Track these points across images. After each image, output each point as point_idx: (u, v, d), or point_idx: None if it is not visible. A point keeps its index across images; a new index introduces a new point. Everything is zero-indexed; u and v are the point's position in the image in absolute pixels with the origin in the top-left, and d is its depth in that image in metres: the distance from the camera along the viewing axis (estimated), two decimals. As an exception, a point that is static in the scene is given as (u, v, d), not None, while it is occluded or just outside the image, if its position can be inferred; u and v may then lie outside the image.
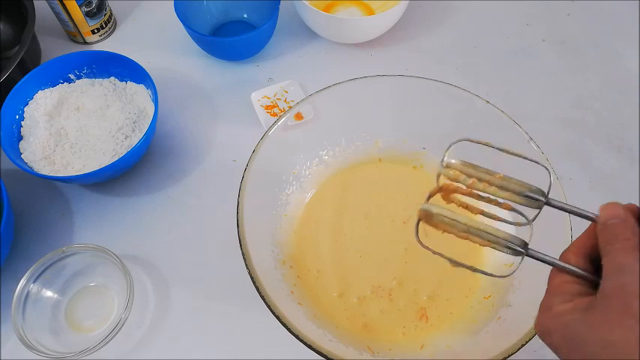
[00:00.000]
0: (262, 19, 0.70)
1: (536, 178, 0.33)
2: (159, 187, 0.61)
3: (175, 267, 0.56)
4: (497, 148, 0.33)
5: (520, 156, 0.33)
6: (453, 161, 0.32)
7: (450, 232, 0.32)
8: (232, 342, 0.52)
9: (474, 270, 0.33)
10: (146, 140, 0.56)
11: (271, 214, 0.53)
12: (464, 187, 0.33)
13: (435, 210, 0.32)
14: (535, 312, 0.31)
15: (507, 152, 0.33)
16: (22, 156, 0.57)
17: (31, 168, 0.56)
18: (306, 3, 0.66)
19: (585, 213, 0.30)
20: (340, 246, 0.54)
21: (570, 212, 0.31)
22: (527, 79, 0.69)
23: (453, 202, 0.33)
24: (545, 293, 0.30)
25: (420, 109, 0.55)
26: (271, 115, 0.64)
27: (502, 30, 0.74)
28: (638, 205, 0.29)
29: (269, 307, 0.42)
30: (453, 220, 0.31)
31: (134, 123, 0.59)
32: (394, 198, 0.56)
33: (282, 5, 0.67)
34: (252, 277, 0.43)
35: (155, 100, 0.58)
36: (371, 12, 0.73)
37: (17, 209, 0.58)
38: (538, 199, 0.31)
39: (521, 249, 0.31)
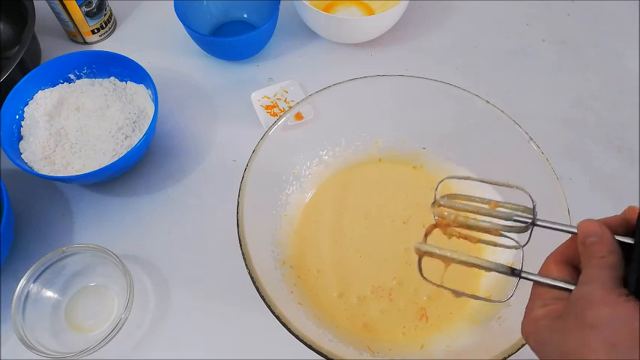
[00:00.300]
0: (262, 19, 0.70)
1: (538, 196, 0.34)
2: (159, 187, 0.61)
3: (175, 267, 0.56)
4: (478, 180, 0.36)
5: (498, 184, 0.35)
6: (441, 201, 0.36)
7: (447, 263, 0.35)
8: (232, 342, 0.52)
9: (475, 298, 0.36)
10: (146, 140, 0.56)
11: (271, 214, 0.53)
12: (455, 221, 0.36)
13: (424, 248, 0.35)
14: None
15: (487, 182, 0.35)
16: (22, 156, 0.57)
17: (31, 168, 0.56)
18: (306, 3, 0.66)
19: (569, 229, 0.31)
20: (340, 246, 0.54)
21: (556, 230, 0.32)
22: (527, 79, 0.69)
23: (452, 234, 0.36)
24: (529, 297, 0.32)
25: (420, 109, 0.55)
26: (271, 115, 0.64)
27: (502, 30, 0.74)
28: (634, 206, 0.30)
29: (269, 307, 0.42)
30: (443, 255, 0.34)
31: (134, 123, 0.59)
32: (394, 198, 0.56)
33: (282, 5, 0.67)
34: (252, 277, 0.43)
35: (155, 100, 0.58)
36: (371, 12, 0.73)
37: (17, 209, 0.58)
38: (525, 222, 0.33)
39: (509, 273, 0.33)
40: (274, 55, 0.71)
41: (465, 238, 0.36)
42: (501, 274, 0.33)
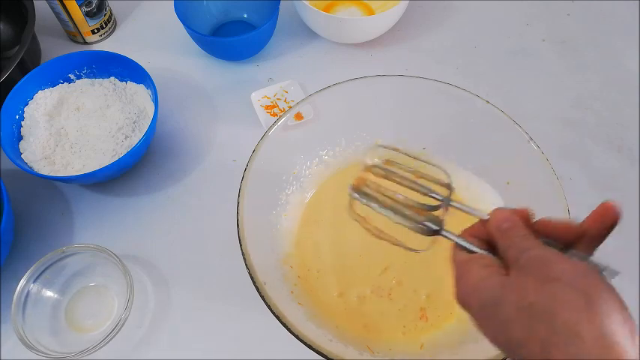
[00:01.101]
0: (262, 19, 0.70)
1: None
2: (159, 187, 0.61)
3: (175, 267, 0.56)
4: (404, 153, 0.40)
5: (418, 159, 0.39)
6: (372, 163, 0.39)
7: (379, 203, 0.37)
8: (232, 342, 0.52)
9: (396, 243, 0.38)
10: (146, 140, 0.56)
11: (271, 214, 0.53)
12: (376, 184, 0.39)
13: (354, 195, 0.38)
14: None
15: (410, 156, 0.40)
16: (22, 156, 0.57)
17: (31, 168, 0.56)
18: (306, 3, 0.66)
19: (478, 214, 0.34)
20: (340, 246, 0.54)
21: (467, 212, 0.35)
22: (527, 79, 0.69)
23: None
24: (456, 267, 0.32)
25: (420, 109, 0.54)
26: (271, 115, 0.64)
27: (502, 30, 0.74)
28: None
29: (269, 307, 0.42)
30: (368, 204, 0.37)
31: (134, 123, 0.59)
32: (394, 198, 0.56)
33: (282, 5, 0.67)
34: (252, 277, 0.43)
35: (155, 100, 0.58)
36: (371, 12, 0.73)
37: (17, 209, 0.58)
38: (438, 199, 0.36)
39: (429, 233, 0.35)
40: (274, 55, 0.71)
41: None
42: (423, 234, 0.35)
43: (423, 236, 0.36)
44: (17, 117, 0.59)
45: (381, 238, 0.38)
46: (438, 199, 0.36)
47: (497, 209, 0.32)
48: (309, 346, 0.40)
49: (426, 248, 0.36)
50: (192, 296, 0.54)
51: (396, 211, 0.36)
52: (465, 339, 0.47)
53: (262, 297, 0.42)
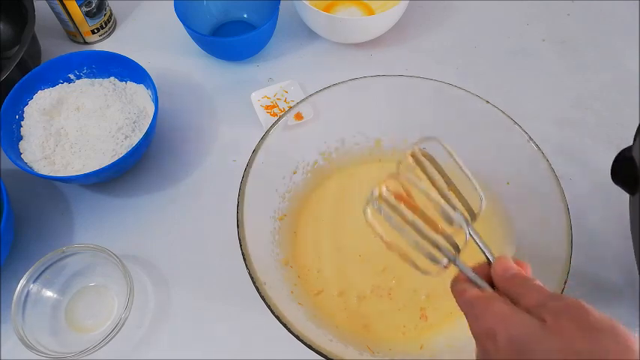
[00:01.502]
0: (262, 19, 0.70)
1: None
2: (159, 187, 0.61)
3: (175, 267, 0.56)
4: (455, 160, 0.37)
5: (462, 169, 0.36)
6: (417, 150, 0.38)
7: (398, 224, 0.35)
8: (232, 342, 0.52)
9: (406, 260, 0.36)
10: (146, 140, 0.56)
11: (271, 214, 0.53)
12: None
13: (383, 198, 0.36)
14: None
15: (456, 161, 0.37)
16: (22, 156, 0.57)
17: (31, 168, 0.56)
18: (306, 3, 0.66)
19: (489, 255, 0.35)
20: (340, 246, 0.54)
21: (479, 248, 0.35)
22: (527, 79, 0.69)
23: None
24: (472, 300, 0.33)
25: (420, 109, 0.54)
26: (271, 115, 0.64)
27: (502, 30, 0.74)
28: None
29: (269, 307, 0.42)
30: (399, 210, 0.35)
31: (134, 123, 0.59)
32: (394, 198, 0.56)
33: (282, 5, 0.67)
34: (252, 277, 0.43)
35: (155, 100, 0.58)
36: (371, 12, 0.73)
37: (17, 209, 0.58)
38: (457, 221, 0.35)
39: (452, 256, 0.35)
40: (274, 55, 0.71)
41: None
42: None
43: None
44: (17, 117, 0.59)
45: (392, 250, 0.37)
46: (456, 221, 0.35)
47: (500, 257, 0.34)
48: (309, 346, 0.40)
49: (435, 272, 0.35)
50: (192, 296, 0.54)
51: (414, 233, 0.35)
52: (465, 339, 0.47)
53: (262, 297, 0.42)
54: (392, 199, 0.36)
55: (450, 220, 0.35)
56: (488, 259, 0.35)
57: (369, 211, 0.35)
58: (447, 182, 0.38)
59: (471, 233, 0.35)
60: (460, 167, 0.36)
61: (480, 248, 0.35)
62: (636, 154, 0.42)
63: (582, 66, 0.71)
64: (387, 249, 0.36)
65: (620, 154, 0.44)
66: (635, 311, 0.52)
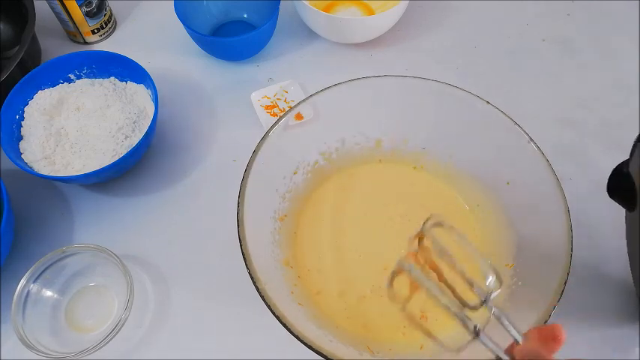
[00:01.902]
0: (262, 19, 0.70)
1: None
2: (159, 187, 0.61)
3: (175, 267, 0.56)
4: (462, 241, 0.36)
5: (473, 248, 0.36)
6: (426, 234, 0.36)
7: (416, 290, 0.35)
8: (232, 342, 0.52)
9: (429, 335, 0.37)
10: (146, 140, 0.56)
11: (271, 214, 0.53)
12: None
13: (408, 269, 0.36)
14: (535, 313, 0.31)
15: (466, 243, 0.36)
16: (22, 156, 0.57)
17: (31, 168, 0.56)
18: (306, 3, 0.66)
19: (514, 334, 0.34)
20: (340, 246, 0.54)
21: (504, 326, 0.35)
22: (527, 79, 0.69)
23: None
24: None
25: (420, 109, 0.54)
26: (271, 115, 0.64)
27: (502, 30, 0.74)
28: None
29: (269, 307, 0.42)
30: (419, 282, 0.35)
31: (134, 123, 0.59)
32: (394, 198, 0.56)
33: (282, 5, 0.67)
34: (252, 277, 0.43)
35: (155, 100, 0.58)
36: (371, 12, 0.73)
37: (17, 209, 0.58)
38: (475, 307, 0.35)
39: (470, 330, 0.34)
40: (274, 55, 0.71)
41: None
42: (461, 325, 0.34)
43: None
44: (17, 117, 0.59)
45: (414, 323, 0.37)
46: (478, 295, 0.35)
47: (524, 342, 0.34)
48: (310, 347, 0.40)
49: (457, 348, 0.35)
50: (192, 296, 0.54)
51: (443, 294, 0.35)
52: (465, 339, 0.47)
53: (262, 297, 0.42)
54: (419, 264, 0.36)
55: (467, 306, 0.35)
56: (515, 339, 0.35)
57: (394, 284, 0.36)
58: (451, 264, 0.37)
59: (494, 309, 0.35)
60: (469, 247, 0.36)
61: (504, 325, 0.35)
62: (633, 168, 0.41)
63: (582, 66, 0.71)
64: (409, 322, 0.36)
65: (616, 169, 0.43)
66: (636, 311, 0.52)
